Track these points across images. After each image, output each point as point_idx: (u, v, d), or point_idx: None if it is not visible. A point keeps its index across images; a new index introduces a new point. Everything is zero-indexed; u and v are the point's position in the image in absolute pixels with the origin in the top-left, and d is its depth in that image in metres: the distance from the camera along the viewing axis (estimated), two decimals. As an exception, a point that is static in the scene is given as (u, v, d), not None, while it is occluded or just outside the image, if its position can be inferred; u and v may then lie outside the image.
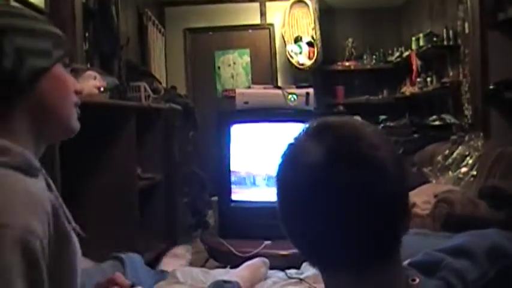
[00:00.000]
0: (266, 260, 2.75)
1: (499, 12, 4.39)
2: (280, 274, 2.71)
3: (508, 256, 1.13)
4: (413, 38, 6.35)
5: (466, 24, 4.98)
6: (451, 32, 5.47)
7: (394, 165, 0.94)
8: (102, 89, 2.85)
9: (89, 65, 3.69)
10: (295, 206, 0.96)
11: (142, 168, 3.50)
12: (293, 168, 0.97)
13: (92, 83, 2.80)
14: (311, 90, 3.33)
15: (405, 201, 0.97)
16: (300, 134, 1.00)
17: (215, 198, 3.61)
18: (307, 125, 1.00)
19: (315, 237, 0.95)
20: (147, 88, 3.90)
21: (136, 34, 5.62)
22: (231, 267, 2.83)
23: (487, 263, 1.10)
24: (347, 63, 7.46)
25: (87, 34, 3.84)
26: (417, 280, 1.03)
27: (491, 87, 4.47)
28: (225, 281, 2.45)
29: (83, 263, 1.27)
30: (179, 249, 3.13)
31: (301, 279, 2.59)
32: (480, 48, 4.64)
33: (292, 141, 1.00)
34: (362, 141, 0.94)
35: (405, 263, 1.06)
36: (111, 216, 2.98)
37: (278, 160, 1.00)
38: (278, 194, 1.00)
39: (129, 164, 3.12)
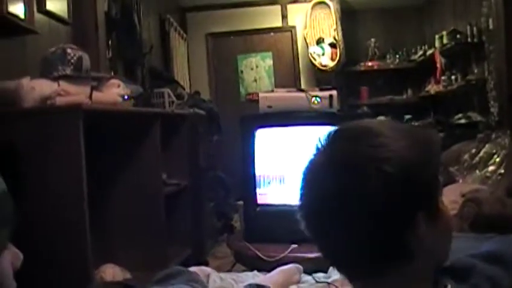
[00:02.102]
0: (300, 266, 2.74)
1: (524, 7, 4.34)
2: (308, 278, 2.70)
3: None
4: (437, 36, 6.30)
5: (490, 20, 4.92)
6: (475, 29, 5.41)
7: (403, 175, 0.91)
8: (126, 96, 2.87)
9: (112, 73, 3.73)
10: (302, 210, 0.97)
11: (167, 174, 3.52)
12: (303, 174, 0.98)
13: (116, 91, 2.82)
14: (334, 93, 3.32)
15: (411, 213, 0.93)
16: (324, 138, 1.00)
17: (241, 203, 3.61)
18: (330, 131, 1.00)
19: (324, 243, 0.96)
20: (171, 94, 3.93)
21: (159, 41, 5.66)
22: (258, 271, 2.82)
23: None
24: (370, 64, 7.41)
25: (110, 42, 3.88)
26: (449, 286, 1.02)
27: (517, 83, 4.42)
28: (258, 285, 2.45)
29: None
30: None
31: (328, 283, 2.58)
32: (505, 44, 4.58)
33: (316, 146, 1.00)
34: (362, 141, 0.93)
35: None
36: (138, 223, 3.01)
37: (305, 163, 1.01)
38: (303, 195, 1.01)
39: (154, 170, 3.14)
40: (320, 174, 0.94)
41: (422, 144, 0.96)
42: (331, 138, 0.97)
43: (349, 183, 0.90)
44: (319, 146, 0.97)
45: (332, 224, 0.93)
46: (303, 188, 0.98)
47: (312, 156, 0.98)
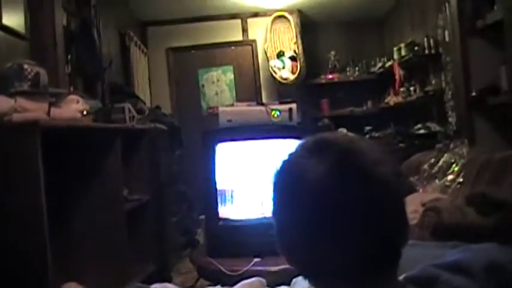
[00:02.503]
0: (263, 279, 2.73)
1: (477, 20, 4.43)
2: (271, 291, 2.70)
3: (506, 272, 1.13)
4: (395, 48, 6.40)
5: (446, 33, 5.02)
6: (432, 41, 5.52)
7: (395, 179, 0.95)
8: (85, 112, 2.84)
9: (72, 89, 3.68)
10: (298, 220, 0.97)
11: (129, 189, 3.48)
12: (296, 184, 0.97)
13: (75, 106, 2.79)
14: (294, 106, 3.33)
15: (406, 213, 0.98)
16: (297, 150, 1.00)
17: (203, 217, 3.59)
18: (303, 142, 1.01)
19: (318, 250, 0.95)
20: (131, 109, 3.89)
21: (119, 55, 5.62)
22: (222, 286, 2.80)
23: (485, 280, 1.10)
24: (330, 76, 7.49)
25: (69, 57, 3.83)
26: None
27: (474, 94, 4.50)
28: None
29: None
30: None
31: (292, 296, 2.58)
32: (461, 55, 4.67)
33: (288, 157, 1.01)
34: (365, 157, 0.95)
35: (401, 277, 1.05)
36: (100, 239, 2.97)
37: (275, 176, 1.01)
38: (278, 209, 1.01)
39: (115, 186, 3.11)
40: (319, 184, 0.93)
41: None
42: (322, 148, 0.98)
43: (358, 191, 0.92)
44: (303, 154, 0.98)
45: (331, 230, 0.93)
46: (287, 197, 0.99)
47: (298, 166, 0.98)
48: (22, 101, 2.38)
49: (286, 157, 1.01)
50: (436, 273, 1.11)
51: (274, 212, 1.02)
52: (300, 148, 1.00)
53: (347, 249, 0.93)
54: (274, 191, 1.01)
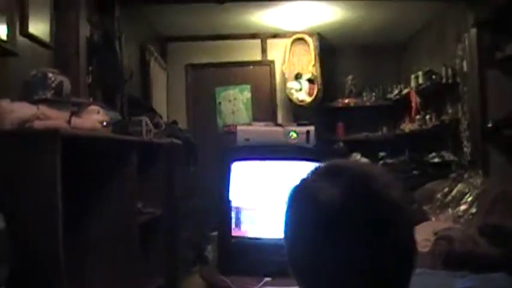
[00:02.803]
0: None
1: (496, 51, 4.45)
2: (281, 310, 2.69)
3: None
4: (413, 76, 6.41)
5: (465, 63, 5.04)
6: (449, 70, 5.53)
7: (406, 203, 0.97)
8: (105, 123, 2.87)
9: (91, 99, 3.72)
10: (309, 241, 0.98)
11: (143, 202, 3.50)
12: (309, 206, 0.99)
13: (95, 117, 2.82)
14: (312, 129, 3.35)
15: (414, 237, 1.00)
16: (309, 175, 1.03)
17: (215, 233, 3.60)
18: (316, 167, 1.04)
19: (329, 272, 0.96)
20: (149, 123, 3.92)
21: (139, 69, 5.68)
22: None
23: None
24: (347, 100, 7.50)
25: (90, 68, 3.88)
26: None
27: (489, 125, 4.51)
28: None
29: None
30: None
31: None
32: (479, 86, 4.69)
33: (301, 182, 1.03)
34: (376, 181, 0.97)
35: None
36: (112, 251, 2.98)
37: (288, 199, 1.03)
38: (290, 231, 1.02)
39: (130, 198, 3.12)
40: (333, 207, 0.95)
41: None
42: (335, 173, 1.00)
43: (371, 215, 0.94)
44: (317, 177, 1.01)
45: (345, 253, 0.95)
46: (301, 220, 1.01)
47: (311, 189, 1.00)
48: (44, 109, 2.41)
49: (298, 182, 1.03)
50: None
51: (286, 233, 1.03)
52: (313, 173, 1.03)
53: (358, 272, 0.94)
54: (286, 213, 1.03)
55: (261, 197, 3.16)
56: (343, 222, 0.94)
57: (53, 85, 2.55)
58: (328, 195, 0.95)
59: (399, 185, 1.00)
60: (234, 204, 3.23)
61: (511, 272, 1.43)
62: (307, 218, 0.99)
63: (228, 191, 3.22)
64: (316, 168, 1.03)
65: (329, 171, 1.01)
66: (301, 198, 1.01)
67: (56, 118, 2.43)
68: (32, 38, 3.02)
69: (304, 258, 0.99)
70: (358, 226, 0.93)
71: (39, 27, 3.09)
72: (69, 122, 2.49)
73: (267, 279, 2.99)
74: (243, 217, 3.20)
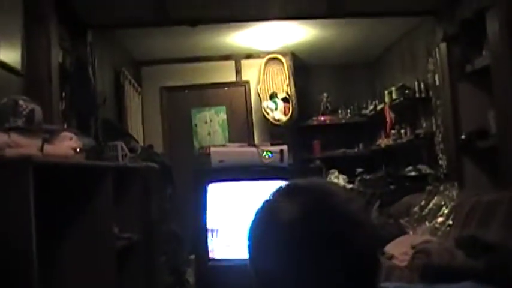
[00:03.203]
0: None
1: (466, 64, 4.52)
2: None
3: None
4: (386, 92, 6.48)
5: (437, 77, 5.11)
6: (422, 85, 5.61)
7: (366, 217, 0.98)
8: (78, 149, 2.85)
9: (65, 125, 3.70)
10: (272, 261, 0.99)
11: (119, 227, 3.47)
12: (269, 226, 1.00)
13: (68, 143, 2.80)
14: (285, 148, 3.37)
15: (378, 251, 1.01)
16: (272, 195, 1.04)
17: (193, 257, 3.58)
18: (278, 187, 1.05)
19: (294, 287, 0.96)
20: (124, 147, 3.90)
21: (113, 93, 5.66)
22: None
23: None
24: (322, 118, 7.55)
25: (63, 94, 3.86)
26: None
27: (463, 137, 4.56)
28: None
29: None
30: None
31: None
32: (451, 99, 4.75)
33: (264, 202, 1.04)
34: (335, 197, 0.98)
35: None
36: (88, 276, 2.94)
37: (252, 220, 1.04)
38: (254, 252, 1.02)
39: (106, 223, 3.09)
40: (291, 225, 0.96)
41: None
42: (294, 191, 1.01)
43: (331, 230, 0.95)
44: (277, 198, 1.01)
45: (306, 270, 0.95)
46: (261, 239, 1.01)
47: (270, 209, 1.01)
48: (16, 137, 2.39)
49: (261, 203, 1.04)
50: None
51: (251, 254, 1.04)
52: (274, 193, 1.04)
53: (322, 286, 0.94)
54: (250, 235, 1.04)
55: (237, 218, 3.16)
56: (302, 238, 0.94)
57: (24, 113, 2.53)
58: (288, 214, 0.96)
59: (360, 201, 1.01)
60: (210, 226, 3.22)
61: (489, 283, 1.44)
62: (269, 238, 1.00)
63: (205, 213, 3.22)
64: (277, 189, 1.04)
65: (290, 191, 1.02)
66: (263, 219, 1.02)
67: (27, 146, 2.41)
68: (2, 65, 3.00)
69: (269, 277, 0.99)
70: (317, 242, 0.93)
71: (9, 54, 3.07)
72: (41, 149, 2.47)
73: (246, 300, 2.98)
74: (219, 239, 3.20)
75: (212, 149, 3.45)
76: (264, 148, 3.34)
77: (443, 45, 4.82)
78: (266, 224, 1.01)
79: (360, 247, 0.95)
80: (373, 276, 0.98)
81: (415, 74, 5.91)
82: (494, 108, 4.07)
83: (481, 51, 4.23)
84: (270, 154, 3.26)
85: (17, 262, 2.13)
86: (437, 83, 5.10)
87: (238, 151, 3.45)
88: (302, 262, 0.94)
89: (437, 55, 5.00)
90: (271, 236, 0.99)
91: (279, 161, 3.28)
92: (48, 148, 2.55)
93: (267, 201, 1.04)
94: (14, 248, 2.13)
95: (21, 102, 2.57)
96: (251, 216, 1.05)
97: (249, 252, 1.03)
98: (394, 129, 6.44)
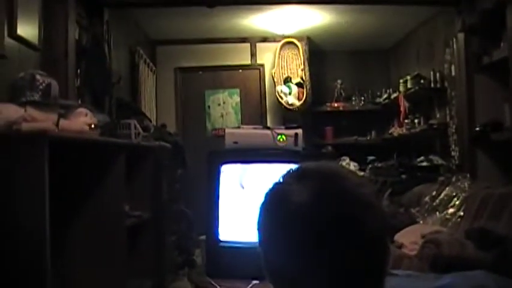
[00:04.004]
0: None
1: (484, 56, 4.48)
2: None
3: None
4: (401, 81, 6.44)
5: (453, 68, 5.08)
6: (438, 75, 5.57)
7: (378, 201, 0.98)
8: (93, 126, 2.86)
9: (80, 102, 3.71)
10: (284, 245, 0.98)
11: (130, 205, 3.49)
12: (280, 208, 1.00)
13: (83, 119, 2.81)
14: (300, 131, 3.36)
15: (387, 234, 1.00)
16: (283, 177, 1.04)
17: (203, 237, 3.59)
18: (289, 170, 1.04)
19: (302, 271, 0.96)
20: (137, 126, 3.91)
21: (128, 72, 5.66)
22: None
23: None
24: (336, 104, 7.51)
25: (79, 71, 3.87)
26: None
27: (477, 128, 4.53)
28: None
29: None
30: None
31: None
32: (466, 90, 4.71)
33: (273, 186, 1.04)
34: (347, 180, 0.98)
35: None
36: (99, 253, 2.97)
37: (262, 203, 1.04)
38: (264, 235, 1.02)
39: (117, 201, 3.11)
40: (304, 207, 0.96)
41: None
42: (307, 175, 1.01)
43: (342, 213, 0.95)
44: (289, 180, 1.01)
45: (317, 253, 0.94)
46: (273, 221, 1.01)
47: (283, 191, 1.01)
48: (32, 111, 2.40)
49: (271, 186, 1.04)
50: None
51: (261, 237, 1.03)
52: (285, 176, 1.04)
53: (331, 269, 0.94)
54: (260, 218, 1.04)
55: (249, 200, 3.16)
56: (313, 220, 0.94)
57: (41, 87, 2.55)
58: (299, 197, 0.96)
59: (371, 185, 1.01)
60: (222, 207, 3.23)
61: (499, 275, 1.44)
62: (279, 220, 0.99)
63: (218, 195, 3.22)
64: (288, 172, 1.04)
65: (301, 174, 1.01)
66: (274, 202, 1.02)
67: (43, 120, 2.42)
68: (20, 39, 3.00)
69: (279, 261, 0.99)
70: (328, 224, 0.93)
71: (27, 29, 3.08)
72: (57, 124, 2.48)
73: (255, 282, 3.00)
74: (231, 220, 3.21)
75: (227, 130, 3.46)
76: (278, 131, 3.33)
77: (461, 36, 4.78)
78: (276, 206, 1.01)
79: (370, 229, 0.95)
80: (383, 261, 0.98)
81: (431, 64, 5.87)
82: (510, 101, 4.04)
83: (499, 43, 4.19)
84: (284, 137, 3.26)
85: (31, 236, 2.15)
86: (453, 73, 5.07)
87: (253, 133, 3.45)
88: (312, 244, 0.94)
89: (455, 45, 4.96)
90: (281, 218, 0.99)
91: (293, 145, 3.28)
92: (63, 123, 2.57)
93: (277, 183, 1.03)
94: (28, 222, 2.15)
95: (38, 76, 2.58)
96: (262, 198, 1.04)
97: (259, 235, 1.03)
98: (407, 118, 6.40)
